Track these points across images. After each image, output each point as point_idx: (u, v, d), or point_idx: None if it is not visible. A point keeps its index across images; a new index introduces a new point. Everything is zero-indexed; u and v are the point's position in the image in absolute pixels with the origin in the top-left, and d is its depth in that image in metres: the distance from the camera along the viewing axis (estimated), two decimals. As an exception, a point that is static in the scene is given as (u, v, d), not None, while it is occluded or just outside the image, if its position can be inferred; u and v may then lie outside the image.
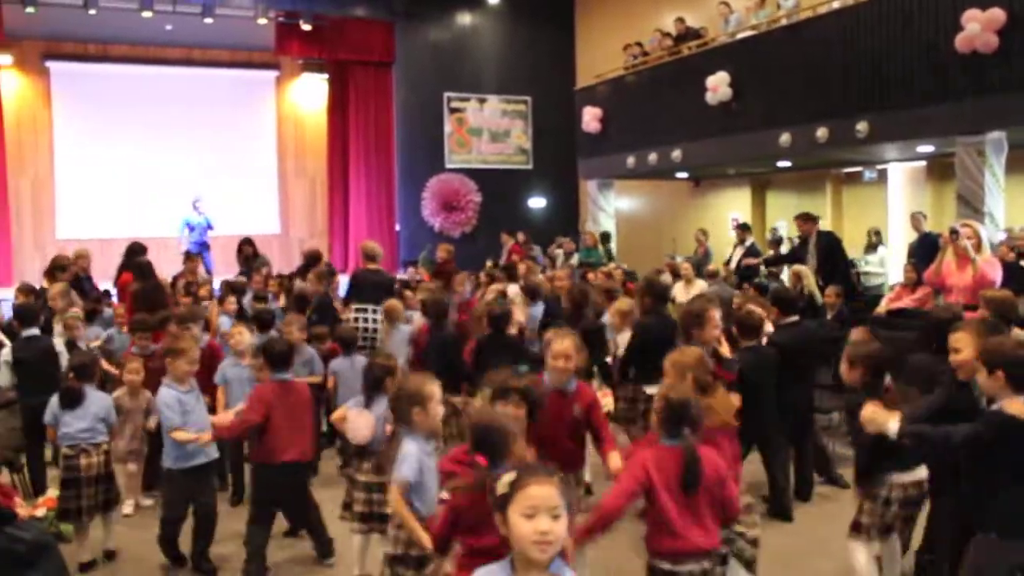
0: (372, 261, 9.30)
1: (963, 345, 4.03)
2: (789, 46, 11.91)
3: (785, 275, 10.81)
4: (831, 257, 9.95)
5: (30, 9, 15.19)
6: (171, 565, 5.28)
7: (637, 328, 6.58)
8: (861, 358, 4.35)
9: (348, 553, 5.10)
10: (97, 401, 5.53)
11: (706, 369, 4.23)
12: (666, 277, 10.39)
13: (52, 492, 5.96)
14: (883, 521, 4.36)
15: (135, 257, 10.23)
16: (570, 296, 7.33)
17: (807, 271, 9.54)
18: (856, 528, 4.40)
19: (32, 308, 6.95)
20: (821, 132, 11.18)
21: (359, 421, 4.84)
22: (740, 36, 13.14)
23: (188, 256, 11.94)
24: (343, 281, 10.72)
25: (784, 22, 12.38)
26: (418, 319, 8.25)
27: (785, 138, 11.75)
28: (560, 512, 2.21)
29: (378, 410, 4.85)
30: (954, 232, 7.18)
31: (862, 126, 10.60)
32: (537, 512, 2.19)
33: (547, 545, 2.18)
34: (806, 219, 10.36)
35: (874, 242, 12.61)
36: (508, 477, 2.29)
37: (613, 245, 15.59)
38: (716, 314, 5.17)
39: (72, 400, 5.42)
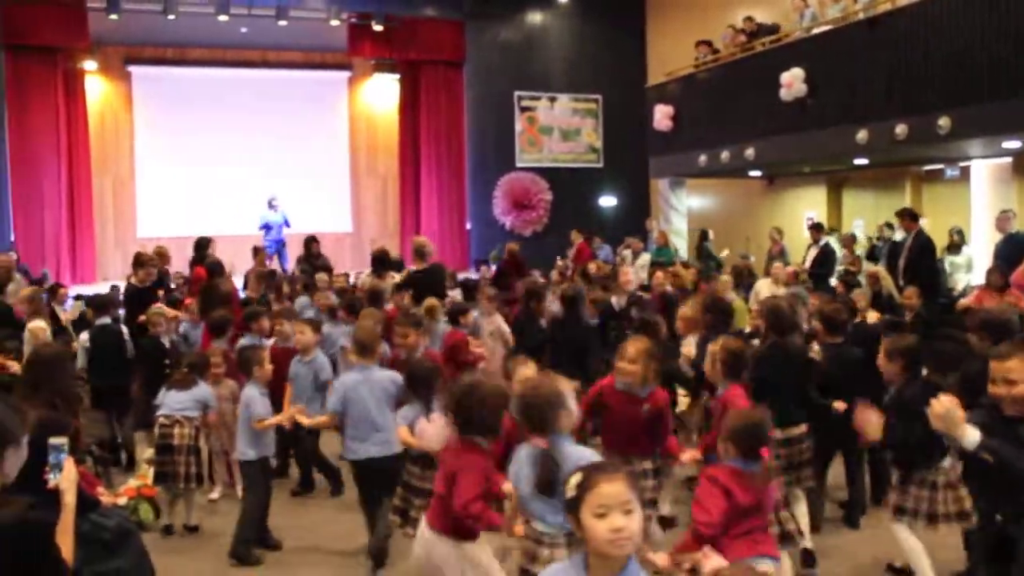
0: (421, 259, 9.30)
1: (1022, 376, 3.24)
2: (867, 40, 11.58)
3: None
4: (921, 258, 9.79)
5: (113, 16, 15.74)
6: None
7: (700, 346, 6.46)
8: (899, 351, 4.49)
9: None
10: (203, 387, 6.04)
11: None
12: (725, 279, 10.09)
13: (133, 482, 6.18)
14: (930, 507, 4.38)
15: (203, 251, 10.54)
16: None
17: (884, 272, 9.32)
18: (899, 512, 4.45)
19: (106, 298, 7.32)
20: (900, 129, 10.86)
21: (430, 430, 4.72)
22: (816, 31, 12.86)
23: (256, 251, 12.28)
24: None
25: (861, 15, 12.06)
26: (499, 318, 8.23)
27: (862, 135, 11.45)
28: (632, 507, 2.18)
29: (437, 410, 4.76)
30: (1043, 231, 6.93)
31: (944, 122, 10.26)
32: (609, 511, 2.16)
33: (624, 541, 2.16)
34: (907, 216, 10.47)
35: (956, 241, 12.22)
36: (576, 478, 2.25)
37: (701, 244, 15.44)
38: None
39: (183, 388, 5.92)
